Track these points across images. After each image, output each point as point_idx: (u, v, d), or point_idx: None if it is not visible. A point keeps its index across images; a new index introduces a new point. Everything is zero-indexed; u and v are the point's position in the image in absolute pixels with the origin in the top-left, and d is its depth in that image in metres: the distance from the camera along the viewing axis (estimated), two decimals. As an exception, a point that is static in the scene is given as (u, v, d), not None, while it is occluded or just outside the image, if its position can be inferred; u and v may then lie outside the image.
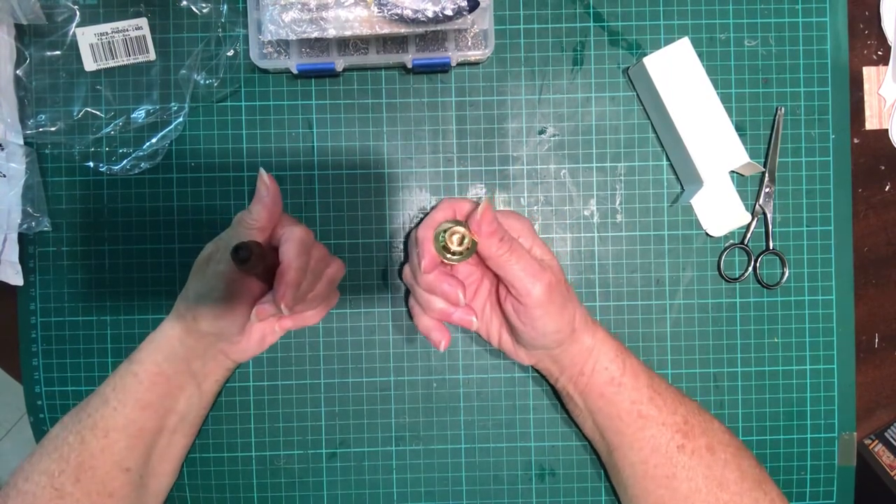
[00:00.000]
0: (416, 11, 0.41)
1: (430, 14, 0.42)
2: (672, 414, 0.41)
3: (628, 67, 0.48)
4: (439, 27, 0.43)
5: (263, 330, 0.43)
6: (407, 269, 0.44)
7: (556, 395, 0.48)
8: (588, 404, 0.43)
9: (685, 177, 0.47)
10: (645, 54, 0.46)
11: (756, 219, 0.48)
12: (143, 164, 0.47)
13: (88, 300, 0.47)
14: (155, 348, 0.41)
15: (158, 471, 0.43)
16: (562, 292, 0.40)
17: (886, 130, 0.49)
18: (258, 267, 0.36)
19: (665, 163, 0.48)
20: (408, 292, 0.46)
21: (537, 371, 0.48)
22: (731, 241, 0.48)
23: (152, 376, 0.40)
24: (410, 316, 0.45)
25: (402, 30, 0.42)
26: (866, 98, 0.49)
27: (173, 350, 0.41)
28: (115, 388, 0.41)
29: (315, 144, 0.48)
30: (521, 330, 0.40)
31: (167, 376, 0.41)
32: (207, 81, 0.46)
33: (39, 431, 0.48)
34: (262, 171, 0.40)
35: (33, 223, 0.46)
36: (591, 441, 0.46)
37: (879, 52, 0.49)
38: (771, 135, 0.48)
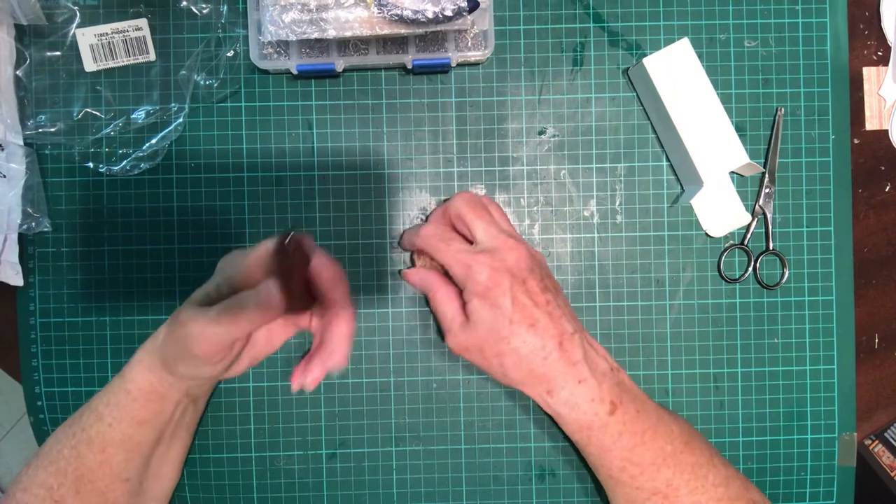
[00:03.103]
0: (415, 12, 0.41)
1: (429, 15, 0.42)
2: (650, 480, 0.40)
3: (628, 68, 0.48)
4: (439, 28, 0.43)
5: (253, 354, 0.41)
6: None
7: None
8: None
9: (685, 177, 0.47)
10: (645, 55, 0.46)
11: (756, 219, 0.48)
12: (142, 165, 0.47)
13: (88, 300, 0.47)
14: (147, 368, 0.39)
15: (159, 474, 0.43)
16: (483, 359, 0.40)
17: (886, 131, 0.49)
18: (290, 277, 0.35)
19: (665, 163, 0.48)
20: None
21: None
22: (731, 242, 0.48)
23: (146, 394, 0.39)
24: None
25: (402, 30, 0.42)
26: (866, 98, 0.49)
27: (164, 376, 0.39)
28: (109, 405, 0.40)
29: (315, 145, 0.48)
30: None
31: (161, 394, 0.40)
32: (207, 82, 0.46)
33: (39, 431, 0.48)
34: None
35: (33, 223, 0.46)
36: None
37: (879, 53, 0.49)
38: (771, 135, 0.48)
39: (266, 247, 0.36)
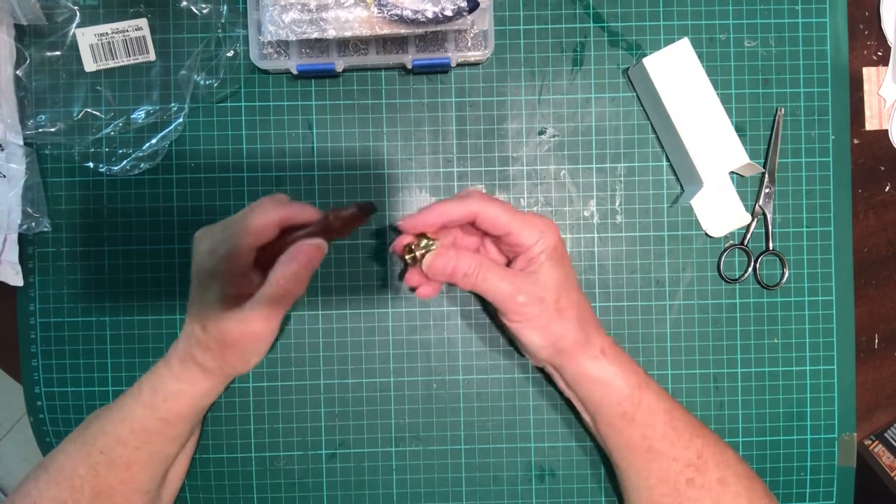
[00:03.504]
0: (415, 12, 0.41)
1: (429, 14, 0.42)
2: (685, 449, 0.40)
3: (628, 68, 0.48)
4: (439, 28, 0.43)
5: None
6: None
7: (558, 395, 0.48)
8: (596, 425, 0.43)
9: (685, 177, 0.47)
10: (645, 54, 0.46)
11: (756, 219, 0.48)
12: (142, 165, 0.47)
13: (88, 300, 0.47)
14: (193, 397, 0.39)
15: (171, 477, 0.44)
16: (545, 311, 0.39)
17: (886, 131, 0.49)
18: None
19: (665, 163, 0.48)
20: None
21: (539, 371, 0.48)
22: (731, 242, 0.48)
23: (186, 418, 0.40)
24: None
25: (402, 30, 0.42)
26: (866, 98, 0.49)
27: (207, 398, 0.40)
28: (135, 431, 0.39)
29: (315, 145, 0.48)
30: (508, 329, 0.41)
31: (201, 408, 0.41)
32: (207, 82, 0.46)
33: (39, 431, 0.48)
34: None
35: (33, 223, 0.46)
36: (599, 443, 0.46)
37: (879, 53, 0.49)
38: (771, 135, 0.48)
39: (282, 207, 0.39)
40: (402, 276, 0.47)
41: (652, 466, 0.41)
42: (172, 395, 0.39)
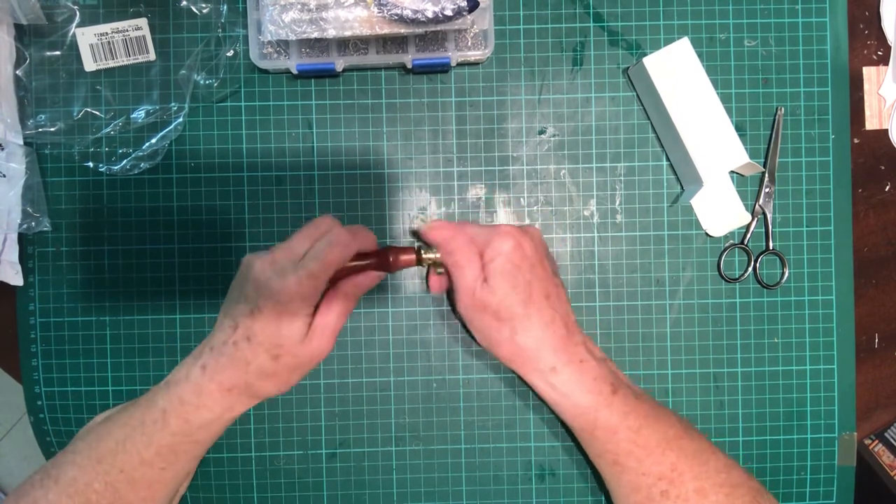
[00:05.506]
0: (415, 12, 0.41)
1: (429, 14, 0.42)
2: (656, 464, 0.40)
3: (628, 67, 0.48)
4: (439, 27, 0.43)
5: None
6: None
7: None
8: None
9: (685, 177, 0.47)
10: (645, 54, 0.46)
11: (756, 219, 0.48)
12: (142, 164, 0.47)
13: (88, 300, 0.47)
14: (221, 423, 0.40)
15: (180, 489, 0.44)
16: (491, 313, 0.40)
17: (886, 130, 0.49)
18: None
19: (665, 163, 0.48)
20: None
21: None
22: (731, 242, 0.48)
23: (214, 438, 0.41)
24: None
25: (402, 30, 0.42)
26: (866, 98, 0.49)
27: (241, 406, 0.40)
28: (163, 454, 0.39)
29: (315, 144, 0.48)
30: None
31: (224, 426, 0.41)
32: (207, 81, 0.46)
33: (39, 431, 0.48)
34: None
35: (33, 223, 0.46)
36: None
37: (879, 52, 0.49)
38: (771, 135, 0.48)
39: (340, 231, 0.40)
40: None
41: (621, 478, 0.41)
42: (208, 423, 0.39)
